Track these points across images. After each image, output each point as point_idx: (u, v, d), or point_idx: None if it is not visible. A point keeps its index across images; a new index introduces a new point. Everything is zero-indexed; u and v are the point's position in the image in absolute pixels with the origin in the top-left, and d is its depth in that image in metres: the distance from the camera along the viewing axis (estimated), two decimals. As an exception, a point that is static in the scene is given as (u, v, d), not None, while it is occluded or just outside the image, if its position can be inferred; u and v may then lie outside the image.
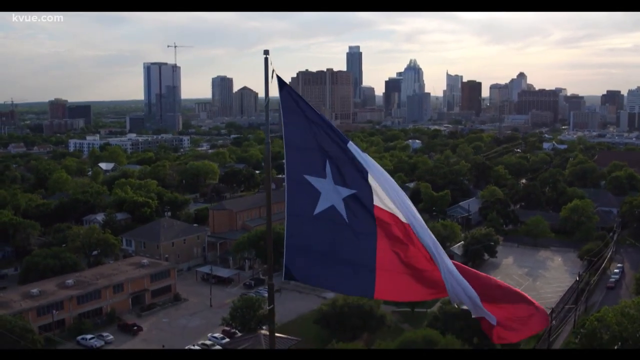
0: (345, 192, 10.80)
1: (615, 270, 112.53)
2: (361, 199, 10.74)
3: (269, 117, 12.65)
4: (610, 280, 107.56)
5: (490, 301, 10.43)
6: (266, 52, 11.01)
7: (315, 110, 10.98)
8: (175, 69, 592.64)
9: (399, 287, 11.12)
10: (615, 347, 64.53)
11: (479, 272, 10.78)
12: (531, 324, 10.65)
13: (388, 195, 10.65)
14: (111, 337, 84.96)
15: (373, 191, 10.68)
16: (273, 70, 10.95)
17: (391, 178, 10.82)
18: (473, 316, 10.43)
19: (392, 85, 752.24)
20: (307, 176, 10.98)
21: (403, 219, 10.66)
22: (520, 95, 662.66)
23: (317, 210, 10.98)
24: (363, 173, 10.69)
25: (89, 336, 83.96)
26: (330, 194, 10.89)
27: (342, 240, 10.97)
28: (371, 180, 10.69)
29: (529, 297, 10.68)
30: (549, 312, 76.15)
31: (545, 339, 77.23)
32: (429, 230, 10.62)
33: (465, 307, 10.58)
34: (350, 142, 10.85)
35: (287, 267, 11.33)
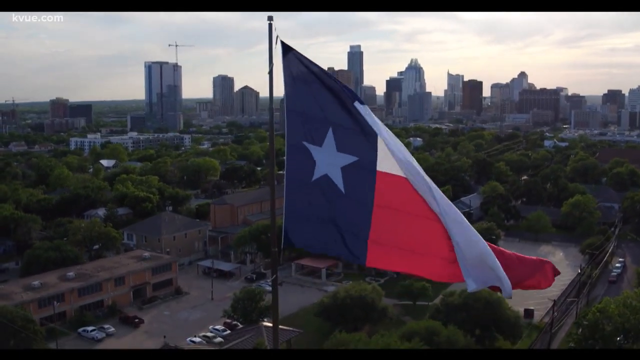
0: (348, 159, 10.61)
1: (617, 265, 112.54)
2: (363, 166, 10.56)
3: (273, 94, 12.29)
4: (612, 274, 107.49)
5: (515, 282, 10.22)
6: (270, 19, 10.80)
7: (325, 73, 10.68)
8: (176, 68, 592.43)
9: (393, 259, 10.94)
10: (618, 339, 64.42)
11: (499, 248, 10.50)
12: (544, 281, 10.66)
13: (398, 162, 10.38)
14: (112, 329, 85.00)
15: (378, 156, 10.45)
16: (277, 37, 10.76)
17: (402, 145, 10.54)
18: (506, 296, 10.04)
19: (393, 84, 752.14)
20: (305, 143, 10.87)
21: (414, 186, 10.40)
22: (521, 94, 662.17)
23: (314, 177, 10.89)
24: (371, 137, 10.43)
25: (90, 328, 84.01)
26: (325, 163, 10.76)
27: (337, 208, 10.86)
28: (380, 144, 10.41)
29: (538, 260, 10.60)
30: (550, 304, 76.37)
31: (547, 331, 77.20)
32: (447, 201, 10.29)
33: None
34: (359, 101, 10.48)
35: (286, 233, 11.22)
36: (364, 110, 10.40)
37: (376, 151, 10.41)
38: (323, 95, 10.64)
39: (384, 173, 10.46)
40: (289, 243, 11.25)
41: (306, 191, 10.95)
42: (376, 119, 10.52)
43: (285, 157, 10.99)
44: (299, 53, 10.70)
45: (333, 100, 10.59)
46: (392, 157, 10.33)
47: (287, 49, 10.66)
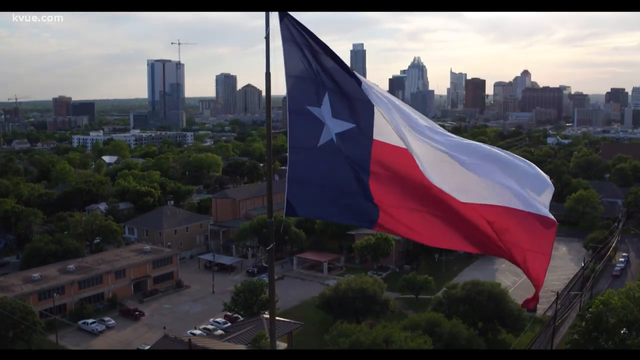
0: (345, 126, 10.42)
1: (621, 259, 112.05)
2: (360, 132, 10.39)
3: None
4: (616, 268, 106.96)
5: None
6: (267, 14, 10.43)
7: (320, 41, 10.48)
8: (179, 66, 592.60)
9: (402, 222, 10.75)
10: (622, 332, 63.88)
11: None
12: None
13: (397, 132, 10.22)
14: (113, 321, 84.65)
15: (375, 124, 10.31)
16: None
17: (411, 110, 10.41)
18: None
19: (395, 83, 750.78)
20: (309, 107, 10.54)
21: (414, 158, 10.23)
22: (524, 93, 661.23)
23: (322, 141, 10.57)
24: (368, 105, 10.30)
25: (90, 320, 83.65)
26: (331, 125, 10.52)
27: (346, 171, 10.61)
28: (377, 113, 10.29)
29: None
30: (554, 297, 75.72)
31: (550, 324, 76.59)
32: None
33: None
34: (356, 73, 10.45)
35: (289, 202, 10.89)
36: (361, 81, 10.34)
37: (373, 120, 10.32)
38: (318, 61, 10.45)
39: (381, 142, 10.37)
40: (292, 212, 10.93)
41: (311, 157, 10.67)
42: (374, 88, 10.38)
43: (287, 124, 10.64)
44: (293, 18, 10.49)
45: (328, 66, 10.42)
46: (390, 127, 10.26)
47: (282, 15, 10.45)
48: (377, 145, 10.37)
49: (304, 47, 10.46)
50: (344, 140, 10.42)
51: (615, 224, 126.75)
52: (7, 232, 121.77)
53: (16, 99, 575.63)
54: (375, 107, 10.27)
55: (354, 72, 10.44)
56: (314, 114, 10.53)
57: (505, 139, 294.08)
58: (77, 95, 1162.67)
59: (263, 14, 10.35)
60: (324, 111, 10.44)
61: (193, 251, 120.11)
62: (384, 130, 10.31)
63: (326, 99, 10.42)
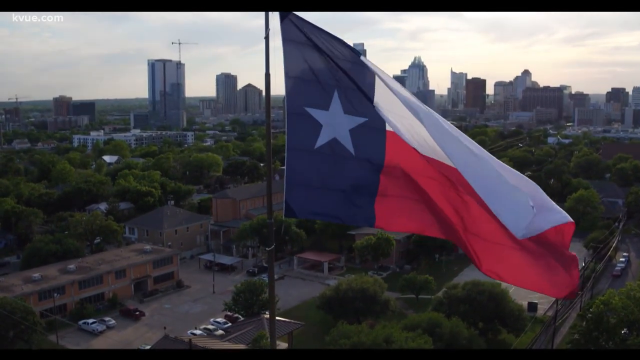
0: (357, 120, 10.44)
1: (621, 259, 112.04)
2: (373, 126, 10.43)
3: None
4: (616, 268, 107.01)
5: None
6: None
7: (324, 33, 10.39)
8: (179, 65, 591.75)
9: (400, 215, 10.89)
10: (622, 332, 63.89)
11: None
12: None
13: (410, 124, 10.28)
14: (113, 321, 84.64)
15: (385, 117, 10.33)
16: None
17: (419, 105, 10.28)
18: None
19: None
20: (308, 108, 10.51)
21: (425, 153, 10.34)
22: (524, 92, 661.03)
23: (319, 143, 10.56)
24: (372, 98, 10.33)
25: (90, 320, 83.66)
26: (333, 126, 10.50)
27: (345, 171, 10.64)
28: (381, 105, 10.29)
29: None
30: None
31: (550, 324, 76.57)
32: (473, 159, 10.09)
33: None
34: (363, 57, 10.36)
35: (287, 203, 10.87)
36: (368, 66, 10.27)
37: (381, 112, 10.32)
38: (324, 59, 10.39)
39: (392, 132, 10.42)
40: (290, 213, 10.93)
41: (309, 159, 10.67)
42: (381, 76, 10.25)
43: (285, 125, 10.62)
44: (296, 17, 10.37)
45: (336, 58, 10.37)
46: (389, 118, 10.32)
47: (283, 15, 10.34)
48: (390, 137, 10.42)
49: (307, 48, 10.39)
50: (356, 135, 10.45)
51: (616, 223, 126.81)
52: (7, 232, 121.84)
53: (16, 98, 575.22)
54: (374, 100, 10.30)
55: (363, 59, 10.32)
56: (312, 115, 10.51)
57: (506, 139, 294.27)
58: (78, 95, 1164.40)
59: (263, 14, 10.29)
60: (334, 111, 10.43)
61: (193, 251, 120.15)
62: (393, 123, 10.34)
63: (335, 97, 10.40)
